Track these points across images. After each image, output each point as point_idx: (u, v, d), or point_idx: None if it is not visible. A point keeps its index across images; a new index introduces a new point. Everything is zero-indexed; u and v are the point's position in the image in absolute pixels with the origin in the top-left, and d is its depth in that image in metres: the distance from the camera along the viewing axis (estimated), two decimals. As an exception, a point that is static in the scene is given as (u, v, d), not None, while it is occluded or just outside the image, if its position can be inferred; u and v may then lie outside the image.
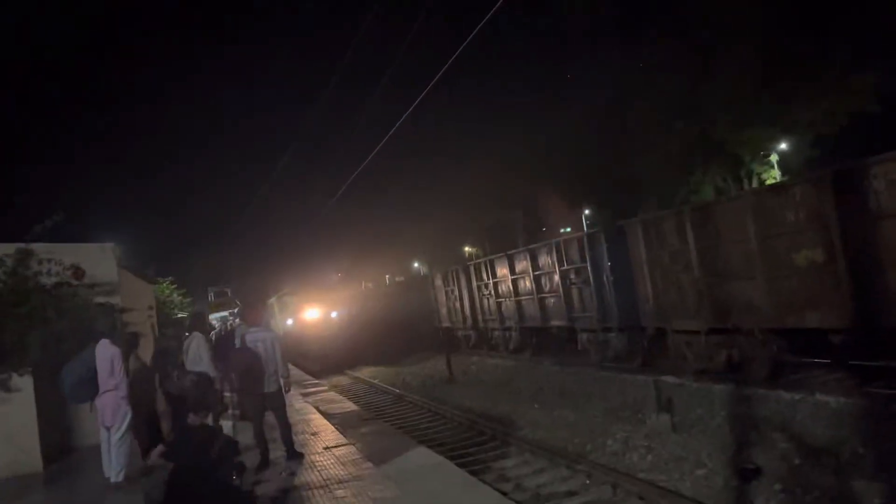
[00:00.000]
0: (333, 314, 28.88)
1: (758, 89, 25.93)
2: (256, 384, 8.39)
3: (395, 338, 28.86)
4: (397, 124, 16.15)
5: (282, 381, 8.70)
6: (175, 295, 20.95)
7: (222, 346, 10.91)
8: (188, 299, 24.69)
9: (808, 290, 10.68)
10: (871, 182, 9.49)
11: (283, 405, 8.77)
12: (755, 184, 28.53)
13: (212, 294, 41.07)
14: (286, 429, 8.61)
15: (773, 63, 25.32)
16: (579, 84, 33.43)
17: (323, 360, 26.67)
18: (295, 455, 8.36)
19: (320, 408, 12.28)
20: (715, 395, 11.71)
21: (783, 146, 28.80)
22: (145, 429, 9.11)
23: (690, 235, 12.90)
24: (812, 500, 7.53)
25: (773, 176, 28.57)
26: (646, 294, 14.35)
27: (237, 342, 9.02)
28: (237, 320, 26.23)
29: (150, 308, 14.74)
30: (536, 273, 19.13)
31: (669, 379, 12.84)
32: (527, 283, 19.87)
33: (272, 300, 32.72)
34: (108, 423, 8.03)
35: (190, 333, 9.37)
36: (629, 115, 29.83)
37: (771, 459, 8.93)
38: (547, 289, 18.69)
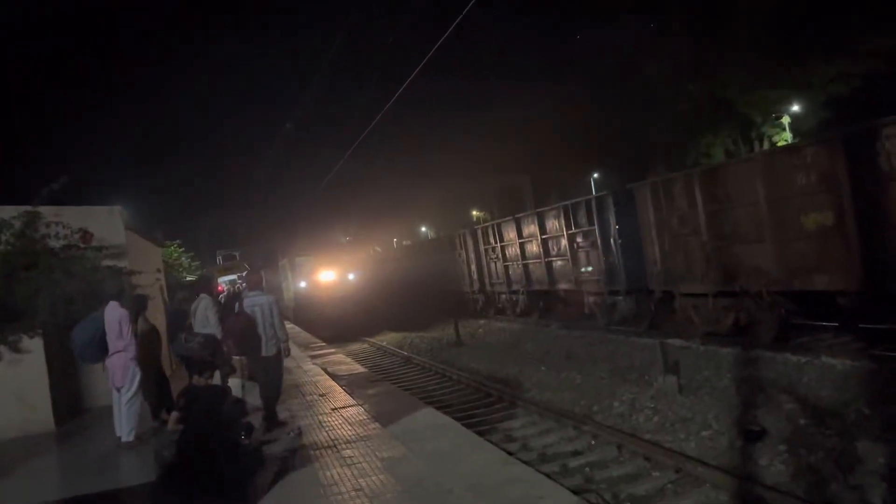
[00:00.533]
0: (350, 276, 27.23)
1: (771, 50, 25.53)
2: (254, 348, 8.38)
3: (416, 301, 28.18)
4: (405, 84, 15.98)
5: (281, 346, 8.67)
6: (183, 258, 21.03)
7: (229, 308, 10.97)
8: (196, 262, 24.80)
9: (817, 252, 10.62)
10: (882, 144, 9.37)
11: (280, 370, 8.73)
12: (766, 146, 28.24)
13: (220, 257, 41.23)
14: (275, 394, 8.53)
15: (788, 24, 24.89)
16: (590, 47, 33.00)
17: (338, 325, 24.99)
18: (274, 423, 8.24)
19: (328, 369, 12.38)
20: (721, 357, 11.73)
21: (795, 108, 28.41)
22: (155, 389, 9.24)
23: (699, 198, 12.81)
24: (816, 460, 7.56)
25: (785, 138, 28.24)
26: (654, 257, 14.31)
27: (237, 307, 9.01)
28: (244, 284, 26.29)
29: (159, 271, 14.81)
30: (544, 237, 19.09)
31: (676, 342, 12.87)
32: (534, 247, 19.85)
33: (283, 262, 30.56)
34: (118, 384, 8.14)
35: (198, 296, 9.41)
36: (640, 78, 29.48)
37: (776, 421, 8.94)
38: (554, 252, 18.66)
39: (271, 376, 8.60)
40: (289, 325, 20.71)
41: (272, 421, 8.26)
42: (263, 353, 8.41)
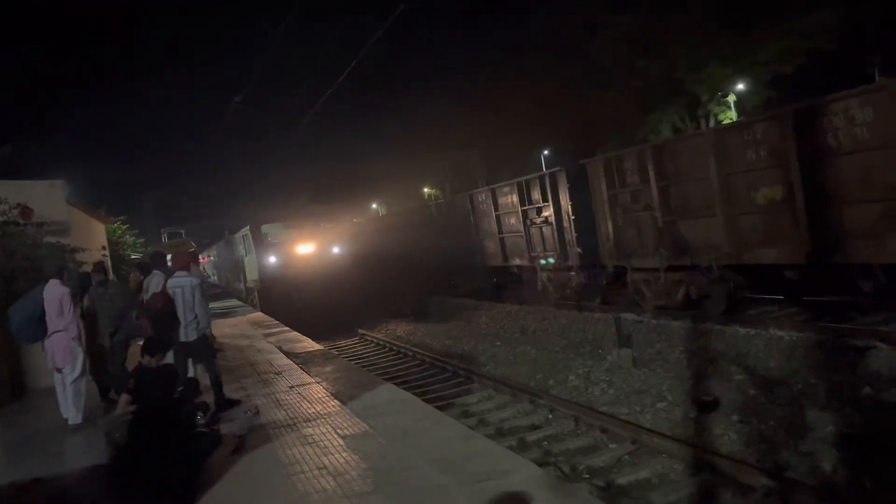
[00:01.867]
0: (335, 249, 21.93)
1: (718, 28, 25.93)
2: (171, 332, 7.97)
3: (424, 278, 23.25)
4: (354, 62, 15.71)
5: (206, 332, 8.28)
6: (128, 235, 20.39)
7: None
8: (141, 240, 24.08)
9: (766, 227, 10.86)
10: (830, 119, 9.58)
11: (209, 355, 8.35)
12: (712, 124, 28.79)
13: (165, 235, 40.17)
14: (215, 378, 8.18)
15: (734, 2, 25.27)
16: (541, 23, 32.98)
17: (321, 312, 19.95)
18: (225, 404, 7.98)
19: (283, 347, 12.18)
20: (673, 330, 11.94)
21: (740, 86, 28.98)
22: (101, 368, 8.93)
23: (651, 174, 12.95)
24: (767, 429, 7.78)
25: (730, 116, 28.82)
26: (606, 233, 14.45)
27: (153, 287, 8.57)
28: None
29: (104, 248, 14.31)
30: (498, 213, 19.11)
31: (629, 316, 13.05)
32: (489, 223, 19.86)
33: (241, 234, 24.83)
34: (60, 365, 7.81)
35: (150, 273, 9.08)
36: (591, 55, 29.63)
37: (728, 391, 9.18)
38: (508, 228, 18.71)
39: (202, 363, 8.21)
40: (255, 316, 19.15)
41: (222, 402, 7.99)
42: (182, 339, 7.98)
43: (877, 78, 22.34)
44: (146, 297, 8.68)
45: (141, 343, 7.07)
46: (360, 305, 21.56)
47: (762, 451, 7.38)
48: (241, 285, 26.93)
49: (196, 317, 8.05)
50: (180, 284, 8.09)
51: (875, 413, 7.63)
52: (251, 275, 23.36)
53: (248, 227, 22.74)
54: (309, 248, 21.59)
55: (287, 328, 15.47)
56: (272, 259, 21.35)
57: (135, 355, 7.54)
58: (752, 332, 10.78)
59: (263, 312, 20.05)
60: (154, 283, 9.11)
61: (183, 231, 41.77)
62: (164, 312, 8.07)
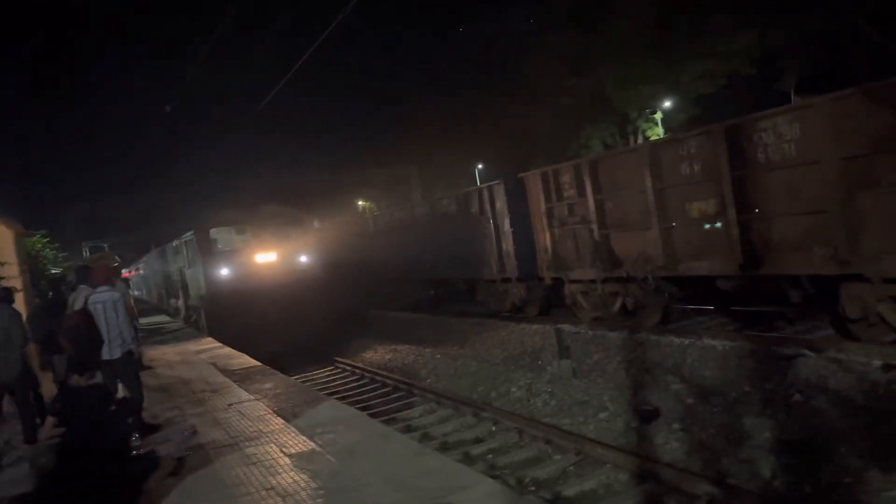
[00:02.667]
0: (302, 257, 18.77)
1: (645, 49, 26.76)
2: (93, 350, 7.55)
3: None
4: (289, 74, 15.48)
5: (132, 349, 7.90)
6: (48, 250, 19.43)
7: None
8: (63, 254, 22.99)
9: (700, 239, 11.16)
10: (760, 136, 9.93)
11: (133, 374, 7.95)
12: (640, 140, 29.64)
13: (87, 249, 38.51)
14: (137, 401, 7.80)
15: (660, 25, 26.13)
16: (474, 40, 33.35)
17: (285, 334, 17.00)
18: (146, 429, 7.59)
19: (218, 364, 11.78)
20: (610, 341, 12.13)
21: (667, 104, 29.96)
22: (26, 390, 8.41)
23: (588, 187, 13.16)
24: (707, 437, 7.95)
25: (657, 133, 29.75)
26: (544, 245, 14.59)
27: (78, 303, 8.13)
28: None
29: (24, 263, 13.56)
30: (437, 225, 19.07)
31: (567, 327, 13.19)
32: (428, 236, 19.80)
33: (177, 242, 21.33)
34: None
35: (76, 288, 8.62)
36: (524, 72, 30.12)
37: (667, 401, 9.34)
38: (448, 241, 18.68)
39: (126, 383, 7.84)
40: (207, 344, 16.15)
41: (142, 427, 7.55)
42: (106, 357, 7.56)
43: (792, 98, 23.51)
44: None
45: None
46: (338, 324, 19.01)
47: (704, 458, 7.53)
48: (179, 302, 23.53)
49: (120, 333, 7.66)
50: (101, 300, 7.68)
51: (807, 419, 7.89)
52: (195, 290, 19.55)
53: (191, 233, 18.65)
54: (271, 256, 18.07)
55: (218, 343, 15.00)
56: (224, 271, 17.66)
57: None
58: (687, 341, 11.04)
59: (214, 338, 17.02)
60: (81, 298, 8.67)
61: (106, 245, 40.18)
62: (85, 329, 7.64)
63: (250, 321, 16.71)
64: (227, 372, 10.86)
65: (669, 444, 8.05)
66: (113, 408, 6.83)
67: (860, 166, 8.69)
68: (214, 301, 17.68)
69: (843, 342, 9.34)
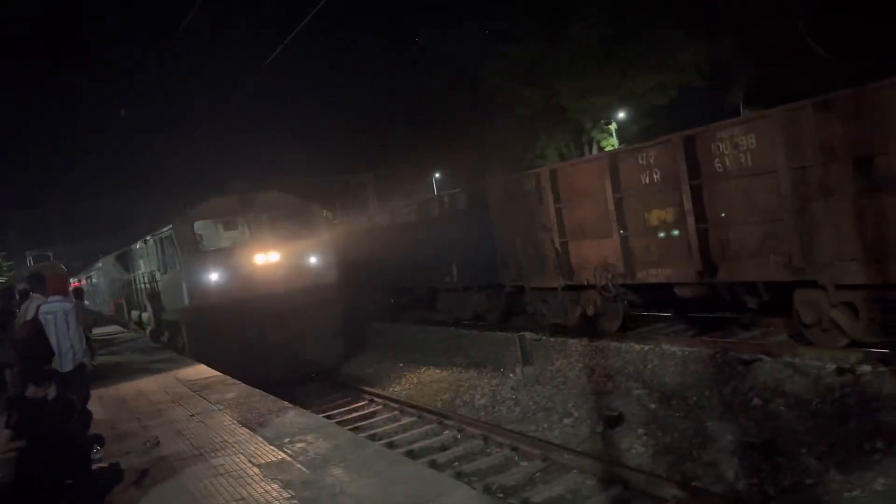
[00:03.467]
0: (313, 258, 15.10)
1: (600, 61, 27.24)
2: (41, 362, 7.23)
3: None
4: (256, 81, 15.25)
5: (84, 361, 7.63)
6: (-5, 259, 18.76)
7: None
8: (8, 263, 22.22)
9: (659, 247, 11.38)
10: (717, 146, 10.19)
11: (84, 389, 7.66)
12: (595, 150, 30.10)
13: (31, 258, 37.26)
14: (85, 419, 7.50)
15: (614, 38, 26.65)
16: (431, 50, 33.51)
17: (293, 359, 14.13)
18: (103, 441, 7.26)
19: (178, 375, 11.52)
20: (571, 348, 12.26)
21: (621, 115, 30.51)
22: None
23: (549, 196, 13.30)
24: (671, 441, 8.08)
25: (612, 143, 30.25)
26: (505, 253, 14.68)
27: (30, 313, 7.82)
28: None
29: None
30: (397, 234, 19.03)
31: (528, 334, 13.28)
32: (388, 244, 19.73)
33: (147, 241, 17.58)
34: None
35: (28, 297, 8.31)
36: (481, 81, 30.35)
37: (630, 406, 9.48)
38: (408, 249, 18.64)
39: (77, 396, 7.55)
40: (193, 369, 12.11)
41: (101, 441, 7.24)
42: (57, 369, 7.29)
43: (741, 110, 24.18)
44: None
45: None
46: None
47: (668, 462, 7.66)
48: (145, 315, 20.04)
49: (72, 346, 7.36)
50: (52, 310, 7.35)
51: (766, 421, 8.09)
52: (172, 301, 15.60)
53: (168, 228, 14.97)
54: (272, 257, 14.46)
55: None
56: (213, 276, 14.06)
57: None
58: (647, 347, 11.24)
59: (197, 359, 13.24)
60: (32, 308, 8.37)
61: (51, 254, 38.97)
62: (34, 341, 7.31)
63: (248, 341, 13.67)
64: (186, 382, 10.61)
65: (634, 448, 8.16)
66: (72, 420, 6.60)
67: (812, 176, 8.98)
68: (200, 315, 13.96)
69: (798, 347, 9.62)
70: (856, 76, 9.18)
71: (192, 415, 8.23)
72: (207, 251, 14.66)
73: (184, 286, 14.19)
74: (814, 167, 8.94)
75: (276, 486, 5.30)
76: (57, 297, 7.58)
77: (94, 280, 35.02)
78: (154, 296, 17.83)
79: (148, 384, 10.93)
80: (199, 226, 14.83)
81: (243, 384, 10.03)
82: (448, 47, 31.60)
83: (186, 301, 14.19)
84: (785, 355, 9.35)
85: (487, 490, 7.72)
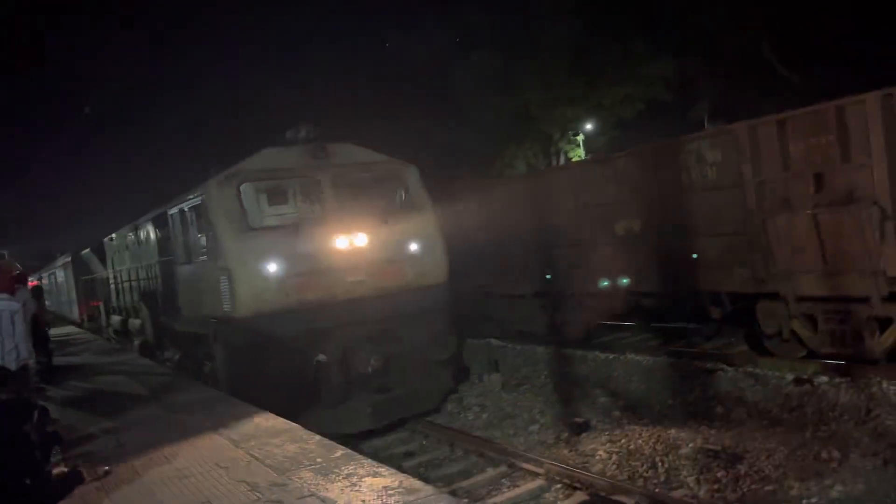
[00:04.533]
0: (413, 245, 10.57)
1: (568, 72, 27.55)
2: None
3: None
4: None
5: (30, 364, 7.42)
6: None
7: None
8: (-39, 260, 21.55)
9: (625, 256, 11.54)
10: (685, 158, 10.39)
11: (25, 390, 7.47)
12: (562, 160, 30.40)
13: (-17, 255, 36.09)
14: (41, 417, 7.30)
15: (582, 50, 26.98)
16: (402, 57, 33.50)
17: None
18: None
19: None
20: (538, 355, 12.35)
21: (589, 126, 30.87)
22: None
23: (520, 204, 13.41)
24: (636, 447, 8.18)
25: (579, 154, 30.59)
26: (475, 260, 14.72)
27: None
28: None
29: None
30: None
31: (494, 341, 13.35)
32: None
33: (158, 215, 12.62)
34: None
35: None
36: (450, 88, 30.45)
37: (595, 413, 9.59)
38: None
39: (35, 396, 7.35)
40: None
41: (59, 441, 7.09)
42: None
43: (706, 125, 24.67)
44: None
45: None
46: None
47: (632, 469, 7.75)
48: (135, 323, 15.63)
49: (16, 346, 7.15)
50: None
51: (728, 429, 8.25)
52: (197, 306, 10.68)
53: (197, 195, 10.24)
54: (359, 240, 9.94)
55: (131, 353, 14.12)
56: (271, 268, 9.38)
57: None
58: (612, 356, 11.37)
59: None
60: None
61: (5, 252, 37.92)
62: None
63: (321, 371, 9.50)
64: (145, 384, 10.40)
65: (599, 454, 8.24)
66: (29, 421, 6.45)
67: (774, 190, 9.20)
68: (251, 328, 9.18)
69: (759, 358, 9.82)
70: (817, 94, 9.46)
71: (158, 416, 8.06)
72: (262, 229, 9.69)
73: (225, 282, 9.36)
74: (774, 182, 9.17)
75: (243, 487, 5.23)
76: (4, 296, 7.33)
77: (58, 279, 31.28)
78: (154, 296, 13.35)
79: (105, 384, 10.69)
80: (247, 189, 9.86)
81: (205, 386, 9.84)
82: (417, 52, 31.55)
83: (228, 306, 9.34)
84: (746, 366, 9.54)
85: (453, 495, 7.72)
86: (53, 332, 18.59)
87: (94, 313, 22.50)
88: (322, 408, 9.37)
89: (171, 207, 11.57)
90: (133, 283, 15.50)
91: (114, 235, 17.71)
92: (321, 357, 9.44)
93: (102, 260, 20.34)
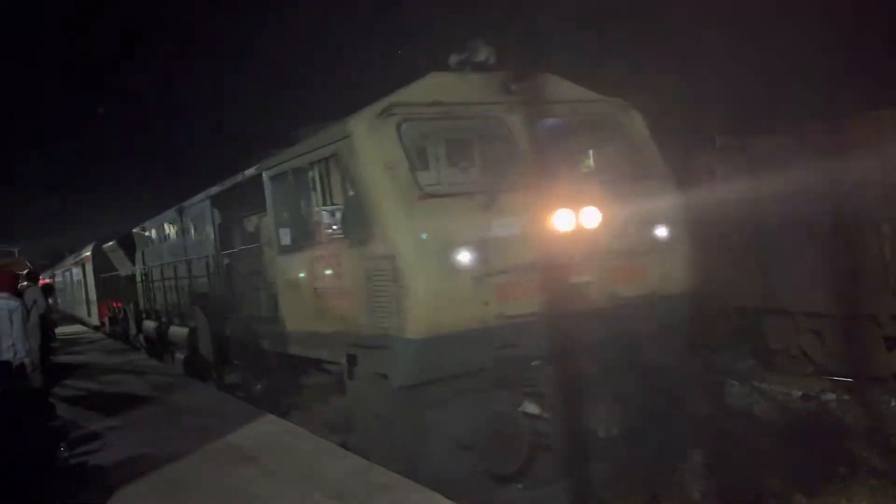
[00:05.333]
0: (662, 233, 6.76)
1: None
2: None
3: None
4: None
5: (24, 362, 7.45)
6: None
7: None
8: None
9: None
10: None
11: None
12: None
13: (-8, 254, 36.08)
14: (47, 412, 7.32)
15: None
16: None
17: None
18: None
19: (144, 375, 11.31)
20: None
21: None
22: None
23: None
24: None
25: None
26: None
27: None
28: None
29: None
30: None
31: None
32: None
33: (248, 176, 8.80)
34: None
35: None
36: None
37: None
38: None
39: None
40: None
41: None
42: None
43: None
44: None
45: None
46: None
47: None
48: (177, 332, 12.86)
49: (13, 345, 7.17)
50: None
51: (735, 443, 8.19)
52: (311, 319, 7.25)
53: (326, 140, 6.72)
54: (590, 219, 6.15)
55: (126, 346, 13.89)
56: (464, 258, 5.68)
57: None
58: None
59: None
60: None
61: (16, 250, 38.03)
62: None
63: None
64: (153, 383, 10.43)
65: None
66: (37, 418, 6.51)
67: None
68: (429, 358, 5.75)
69: (766, 373, 9.78)
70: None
71: (166, 416, 8.08)
72: (442, 196, 6.11)
73: (384, 280, 5.84)
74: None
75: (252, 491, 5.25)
76: (4, 294, 7.35)
77: (73, 276, 29.15)
78: (216, 299, 10.65)
79: (110, 385, 10.71)
80: (410, 134, 6.34)
81: (214, 389, 9.84)
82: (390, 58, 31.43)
83: (391, 320, 5.82)
84: (753, 380, 9.49)
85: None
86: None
87: (118, 315, 19.95)
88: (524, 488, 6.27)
89: (267, 168, 7.99)
90: (176, 281, 12.62)
91: (147, 224, 15.11)
92: (529, 407, 6.14)
93: (130, 254, 17.52)
